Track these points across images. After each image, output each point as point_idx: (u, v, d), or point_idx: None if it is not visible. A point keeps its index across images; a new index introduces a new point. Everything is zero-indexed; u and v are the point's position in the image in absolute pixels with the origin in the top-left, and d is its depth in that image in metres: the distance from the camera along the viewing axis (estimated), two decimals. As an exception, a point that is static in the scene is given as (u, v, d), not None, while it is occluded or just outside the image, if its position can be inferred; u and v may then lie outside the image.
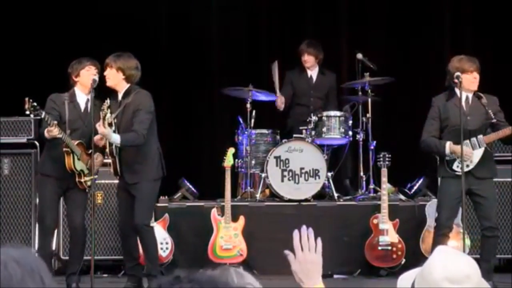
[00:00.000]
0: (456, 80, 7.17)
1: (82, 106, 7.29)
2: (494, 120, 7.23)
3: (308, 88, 9.41)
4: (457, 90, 7.28)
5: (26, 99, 6.84)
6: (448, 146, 7.21)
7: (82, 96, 7.29)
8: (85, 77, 7.23)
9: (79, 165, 7.20)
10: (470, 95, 7.30)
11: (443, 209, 7.34)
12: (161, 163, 7.33)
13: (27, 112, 6.89)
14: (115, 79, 7.22)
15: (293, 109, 9.46)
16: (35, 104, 6.90)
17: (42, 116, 6.92)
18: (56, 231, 7.85)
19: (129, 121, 7.13)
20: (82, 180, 7.22)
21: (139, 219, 7.18)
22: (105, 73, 7.24)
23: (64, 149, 7.10)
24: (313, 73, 9.46)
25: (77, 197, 7.29)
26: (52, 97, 7.29)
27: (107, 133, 6.94)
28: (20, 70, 9.72)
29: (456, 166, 7.23)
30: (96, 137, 7.08)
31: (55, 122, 6.95)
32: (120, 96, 7.24)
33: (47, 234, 7.36)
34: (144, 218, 7.23)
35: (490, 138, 7.26)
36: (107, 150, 7.25)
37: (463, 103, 7.26)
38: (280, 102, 9.29)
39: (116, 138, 7.03)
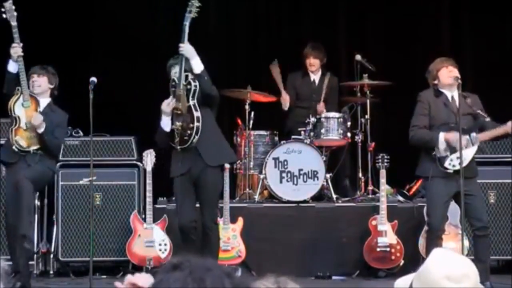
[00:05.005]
0: (435, 82, 7.18)
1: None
2: (488, 119, 7.16)
3: (311, 91, 9.37)
4: (443, 90, 7.23)
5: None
6: (442, 135, 7.07)
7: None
8: None
9: (19, 111, 7.01)
10: (456, 95, 7.21)
11: (435, 211, 7.22)
12: None
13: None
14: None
15: (293, 111, 9.42)
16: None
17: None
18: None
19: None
20: (13, 128, 6.97)
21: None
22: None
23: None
24: (316, 76, 9.43)
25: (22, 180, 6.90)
26: None
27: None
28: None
29: (448, 164, 7.10)
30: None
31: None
32: None
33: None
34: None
35: (485, 137, 7.18)
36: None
37: (450, 103, 7.22)
38: (285, 96, 9.25)
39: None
